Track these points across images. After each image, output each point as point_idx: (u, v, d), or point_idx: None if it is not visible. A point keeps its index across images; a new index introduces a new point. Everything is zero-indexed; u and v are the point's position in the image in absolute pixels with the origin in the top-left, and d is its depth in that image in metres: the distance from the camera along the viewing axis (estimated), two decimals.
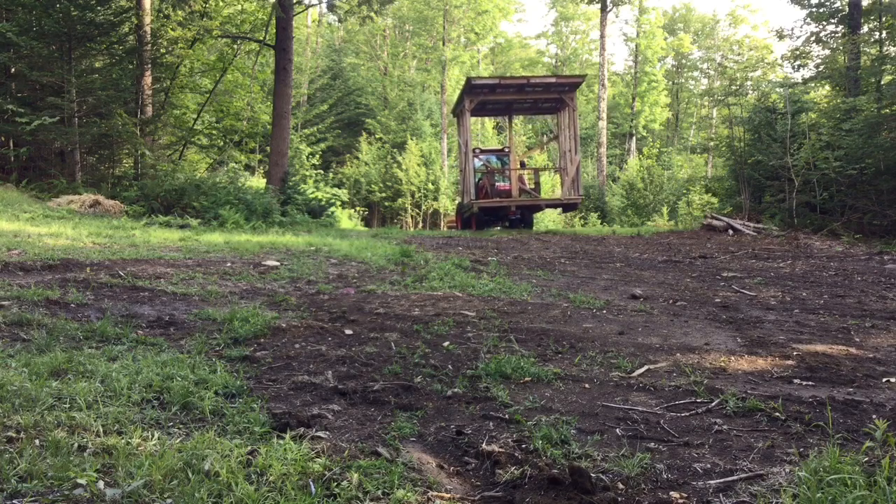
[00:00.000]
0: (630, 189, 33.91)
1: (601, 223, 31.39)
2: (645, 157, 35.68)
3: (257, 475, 2.66)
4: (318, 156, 36.66)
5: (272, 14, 20.96)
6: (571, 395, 3.98)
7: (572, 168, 21.61)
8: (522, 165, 25.13)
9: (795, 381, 4.31)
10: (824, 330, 5.94)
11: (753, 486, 2.79)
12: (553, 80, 22.17)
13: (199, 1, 21.02)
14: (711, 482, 2.84)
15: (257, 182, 23.57)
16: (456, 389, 3.98)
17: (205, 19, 20.99)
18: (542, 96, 22.24)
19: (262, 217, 16.63)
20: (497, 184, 22.57)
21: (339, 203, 29.39)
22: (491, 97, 21.45)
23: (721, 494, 2.73)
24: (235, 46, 24.12)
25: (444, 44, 44.11)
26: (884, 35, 20.32)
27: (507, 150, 25.01)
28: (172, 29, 19.41)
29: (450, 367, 4.46)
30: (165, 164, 19.73)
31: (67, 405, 3.25)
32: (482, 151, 24.39)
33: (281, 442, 2.94)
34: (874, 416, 3.51)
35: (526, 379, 4.24)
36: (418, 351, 4.79)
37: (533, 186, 24.33)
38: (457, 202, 28.09)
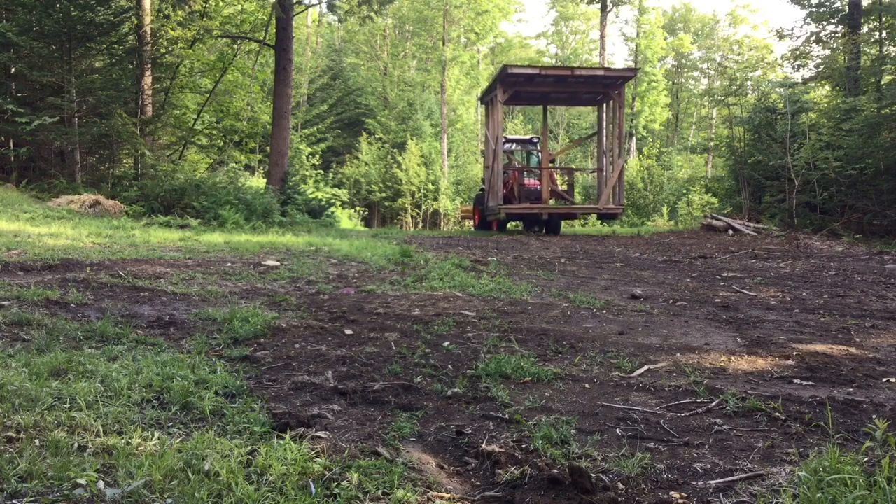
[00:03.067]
0: (630, 189, 33.87)
1: (601, 223, 31.38)
2: (645, 157, 35.66)
3: (257, 475, 2.66)
4: (318, 156, 36.68)
5: (272, 14, 20.95)
6: (571, 395, 3.98)
7: (615, 172, 19.27)
8: (551, 162, 22.17)
9: (795, 381, 4.31)
10: (824, 330, 5.94)
11: (753, 486, 2.79)
12: (601, 73, 19.64)
13: (199, 1, 21.02)
14: (711, 482, 2.84)
15: (257, 182, 23.58)
16: (456, 389, 3.98)
17: (205, 19, 21.01)
18: (585, 89, 19.99)
19: (262, 217, 16.64)
20: (525, 180, 20.21)
21: (339, 203, 29.41)
22: (527, 88, 19.36)
23: (721, 494, 2.73)
24: (235, 46, 24.12)
25: (444, 44, 44.10)
26: (884, 35, 20.34)
27: (535, 139, 22.34)
28: (172, 29, 19.41)
29: (450, 367, 4.46)
30: (165, 164, 19.72)
31: (67, 405, 3.25)
32: (506, 140, 21.32)
33: (281, 442, 2.94)
34: (874, 416, 3.51)
35: (526, 379, 4.24)
36: (418, 351, 4.79)
37: (566, 188, 21.57)
38: (476, 194, 24.76)
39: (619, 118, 19.34)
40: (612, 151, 19.50)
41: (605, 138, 20.31)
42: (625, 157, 19.95)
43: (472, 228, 24.12)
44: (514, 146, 22.01)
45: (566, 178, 22.26)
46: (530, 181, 20.27)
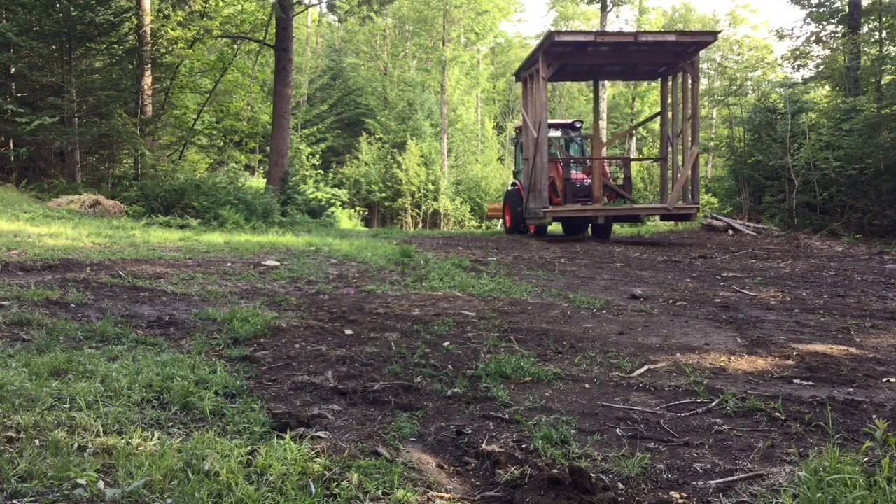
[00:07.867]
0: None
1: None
2: (645, 157, 35.64)
3: (257, 475, 2.66)
4: (318, 156, 36.71)
5: (272, 14, 20.96)
6: (571, 395, 3.98)
7: (688, 163, 15.56)
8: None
9: (795, 381, 4.31)
10: (824, 330, 5.94)
11: (753, 486, 2.79)
12: (672, 37, 15.41)
13: (199, 1, 21.04)
14: (711, 482, 2.84)
15: (257, 182, 23.58)
16: (456, 389, 3.98)
17: (205, 19, 21.03)
18: (647, 59, 16.47)
19: (262, 217, 16.65)
20: (572, 174, 16.71)
21: (339, 203, 29.40)
22: (576, 59, 16.03)
23: (721, 494, 2.73)
24: (235, 46, 24.12)
25: (444, 44, 44.07)
26: (884, 35, 20.34)
27: (578, 124, 18.81)
28: (172, 29, 19.43)
29: (450, 367, 4.46)
30: (165, 164, 19.75)
31: (67, 405, 3.25)
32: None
33: (281, 442, 2.94)
34: (874, 416, 3.51)
35: (526, 379, 4.24)
36: (418, 351, 4.79)
37: (621, 182, 17.52)
38: (506, 189, 21.28)
39: (693, 94, 15.82)
40: (685, 137, 15.98)
41: (675, 121, 16.81)
42: (699, 143, 15.94)
43: (502, 230, 20.94)
44: (551, 132, 17.89)
45: (621, 170, 18.41)
46: (577, 174, 16.83)
